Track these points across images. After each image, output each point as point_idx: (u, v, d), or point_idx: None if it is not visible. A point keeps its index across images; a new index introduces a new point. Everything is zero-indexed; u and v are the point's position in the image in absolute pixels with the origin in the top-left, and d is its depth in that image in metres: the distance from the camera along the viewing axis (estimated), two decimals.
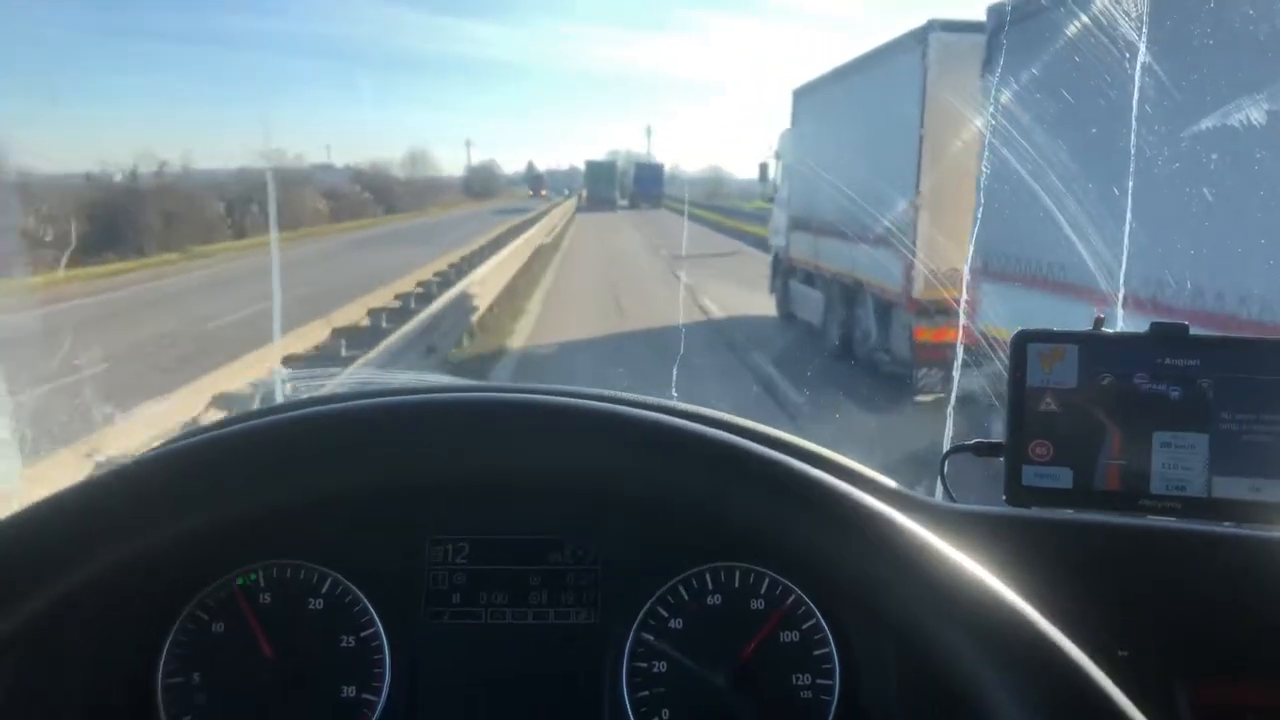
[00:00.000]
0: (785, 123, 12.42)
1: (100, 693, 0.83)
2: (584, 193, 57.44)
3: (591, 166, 58.73)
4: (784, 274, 12.11)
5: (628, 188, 55.70)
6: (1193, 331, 0.86)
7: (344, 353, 7.90)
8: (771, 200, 13.37)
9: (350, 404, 0.67)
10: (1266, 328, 4.08)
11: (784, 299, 12.17)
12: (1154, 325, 0.87)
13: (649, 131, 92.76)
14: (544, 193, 75.11)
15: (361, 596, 0.87)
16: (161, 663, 0.85)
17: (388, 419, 0.66)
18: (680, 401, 0.98)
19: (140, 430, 4.05)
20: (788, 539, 0.62)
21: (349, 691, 0.86)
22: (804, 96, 11.60)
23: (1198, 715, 0.81)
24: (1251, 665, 0.82)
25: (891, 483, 0.92)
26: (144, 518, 0.62)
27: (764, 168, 13.72)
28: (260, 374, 5.99)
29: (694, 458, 0.64)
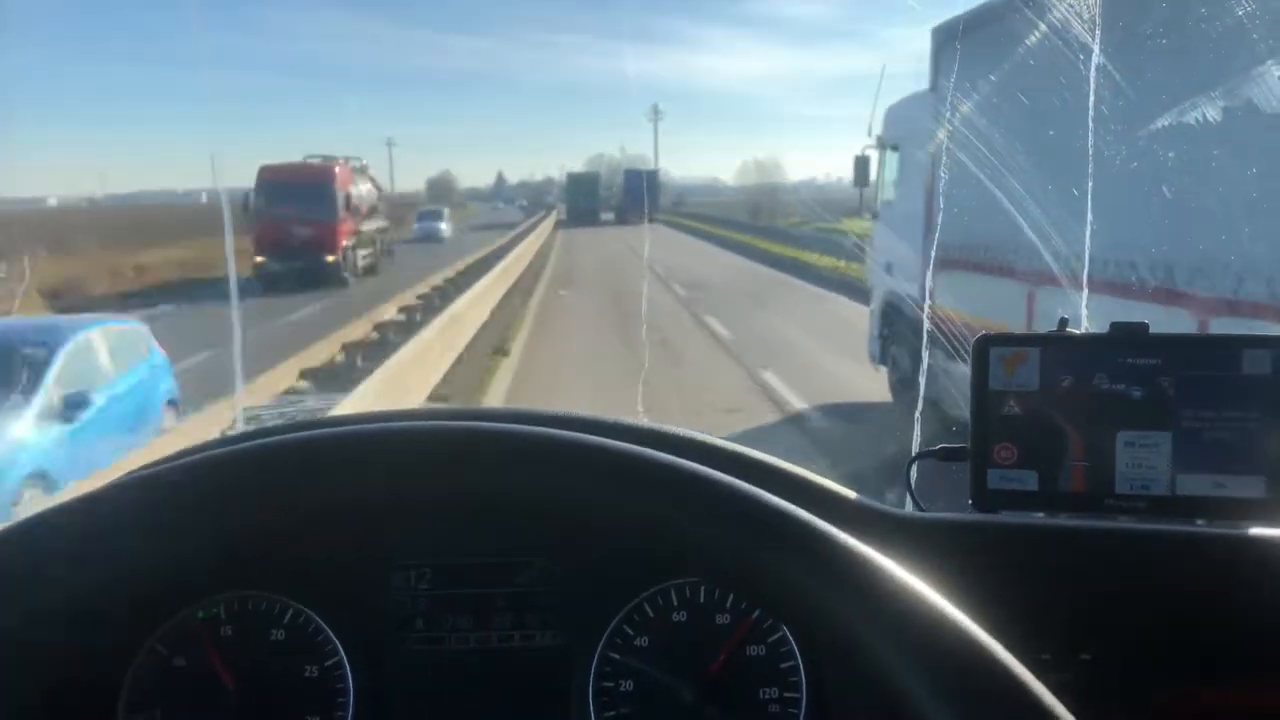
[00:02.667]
0: (887, 97, 7.72)
1: None
2: (560, 207, 55.88)
3: (573, 179, 57.90)
4: (912, 337, 7.12)
5: (614, 199, 54.50)
6: (1153, 330, 0.86)
7: None
8: (876, 216, 8.59)
9: (312, 433, 0.66)
10: None
11: (910, 377, 7.23)
12: (1114, 325, 0.87)
13: (656, 112, 69.94)
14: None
15: (324, 625, 0.87)
16: (122, 699, 0.84)
17: (349, 447, 0.65)
18: (643, 420, 0.97)
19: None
20: (732, 563, 0.61)
21: None
22: (977, 32, 5.90)
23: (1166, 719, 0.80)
24: (1221, 666, 0.82)
25: (853, 494, 0.91)
26: (99, 552, 0.60)
27: (862, 165, 8.58)
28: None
29: (632, 480, 0.62)
